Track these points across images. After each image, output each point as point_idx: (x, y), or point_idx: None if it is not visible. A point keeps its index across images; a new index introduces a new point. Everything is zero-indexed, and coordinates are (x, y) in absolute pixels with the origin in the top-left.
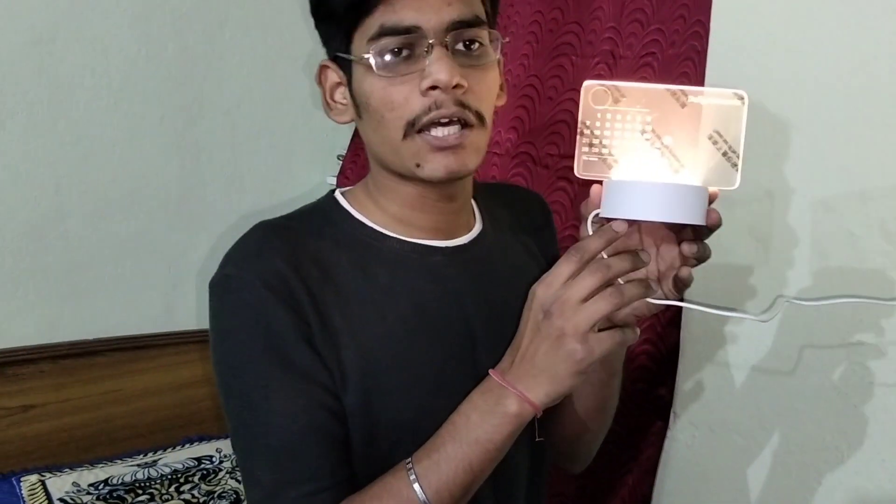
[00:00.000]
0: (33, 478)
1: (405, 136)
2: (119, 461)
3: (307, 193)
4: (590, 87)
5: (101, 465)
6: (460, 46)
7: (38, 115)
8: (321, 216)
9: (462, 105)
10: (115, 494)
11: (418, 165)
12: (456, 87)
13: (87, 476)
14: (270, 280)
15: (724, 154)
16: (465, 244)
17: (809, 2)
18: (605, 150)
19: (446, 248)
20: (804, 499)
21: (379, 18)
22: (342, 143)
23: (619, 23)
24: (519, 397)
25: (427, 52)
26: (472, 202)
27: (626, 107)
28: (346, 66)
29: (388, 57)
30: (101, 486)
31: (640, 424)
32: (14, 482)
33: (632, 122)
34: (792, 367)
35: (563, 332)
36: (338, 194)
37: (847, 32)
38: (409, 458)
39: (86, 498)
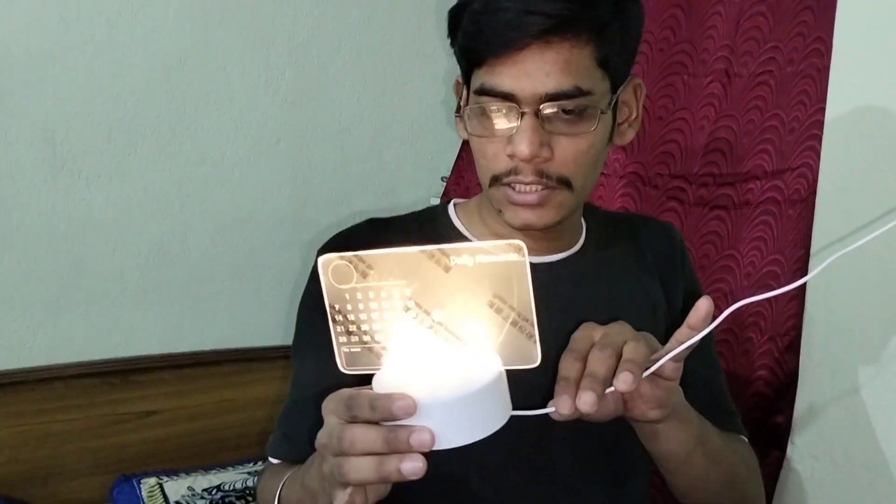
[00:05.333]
0: (152, 480)
1: (490, 185)
2: (231, 468)
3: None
4: (327, 262)
5: (214, 472)
6: (556, 112)
7: (165, 137)
8: (427, 219)
9: (540, 174)
10: (226, 500)
11: (500, 211)
12: (536, 157)
13: (202, 481)
14: None
15: (514, 323)
16: (550, 262)
17: None
18: (366, 338)
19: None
20: None
21: (483, 76)
22: (447, 165)
23: (733, 41)
24: None
25: (519, 118)
26: (584, 223)
27: (377, 281)
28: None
29: (482, 117)
30: (213, 492)
31: (756, 454)
32: (135, 483)
33: (388, 298)
34: None
35: (322, 475)
36: (451, 203)
37: None
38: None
39: (200, 502)
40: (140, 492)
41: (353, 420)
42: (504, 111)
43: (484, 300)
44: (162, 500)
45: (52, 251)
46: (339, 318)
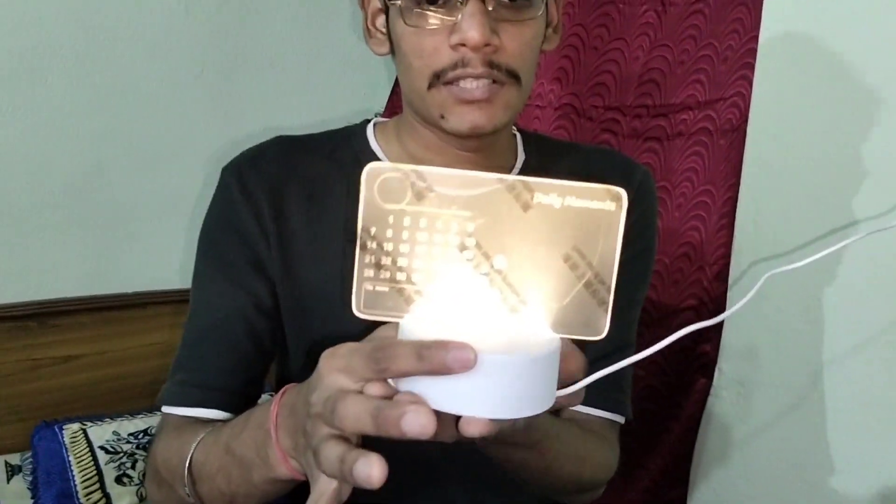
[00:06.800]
0: (75, 426)
1: (430, 86)
2: (158, 413)
3: None
4: (375, 172)
5: (140, 416)
6: None
7: (77, 68)
8: (342, 139)
9: (491, 65)
10: None
11: (442, 117)
12: (487, 46)
13: (128, 426)
14: (248, 187)
15: (588, 285)
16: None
17: None
18: (400, 276)
19: None
20: (859, 459)
21: None
22: (381, 100)
23: None
24: (281, 458)
25: (462, 3)
26: (522, 154)
27: (435, 207)
28: None
29: (416, 9)
30: (140, 436)
31: (682, 382)
32: (57, 430)
33: (444, 231)
34: (844, 322)
35: (310, 438)
36: (371, 123)
37: None
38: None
39: (126, 446)
40: (62, 438)
41: (383, 376)
42: None
43: (560, 251)
44: (86, 445)
45: None
46: (372, 245)
